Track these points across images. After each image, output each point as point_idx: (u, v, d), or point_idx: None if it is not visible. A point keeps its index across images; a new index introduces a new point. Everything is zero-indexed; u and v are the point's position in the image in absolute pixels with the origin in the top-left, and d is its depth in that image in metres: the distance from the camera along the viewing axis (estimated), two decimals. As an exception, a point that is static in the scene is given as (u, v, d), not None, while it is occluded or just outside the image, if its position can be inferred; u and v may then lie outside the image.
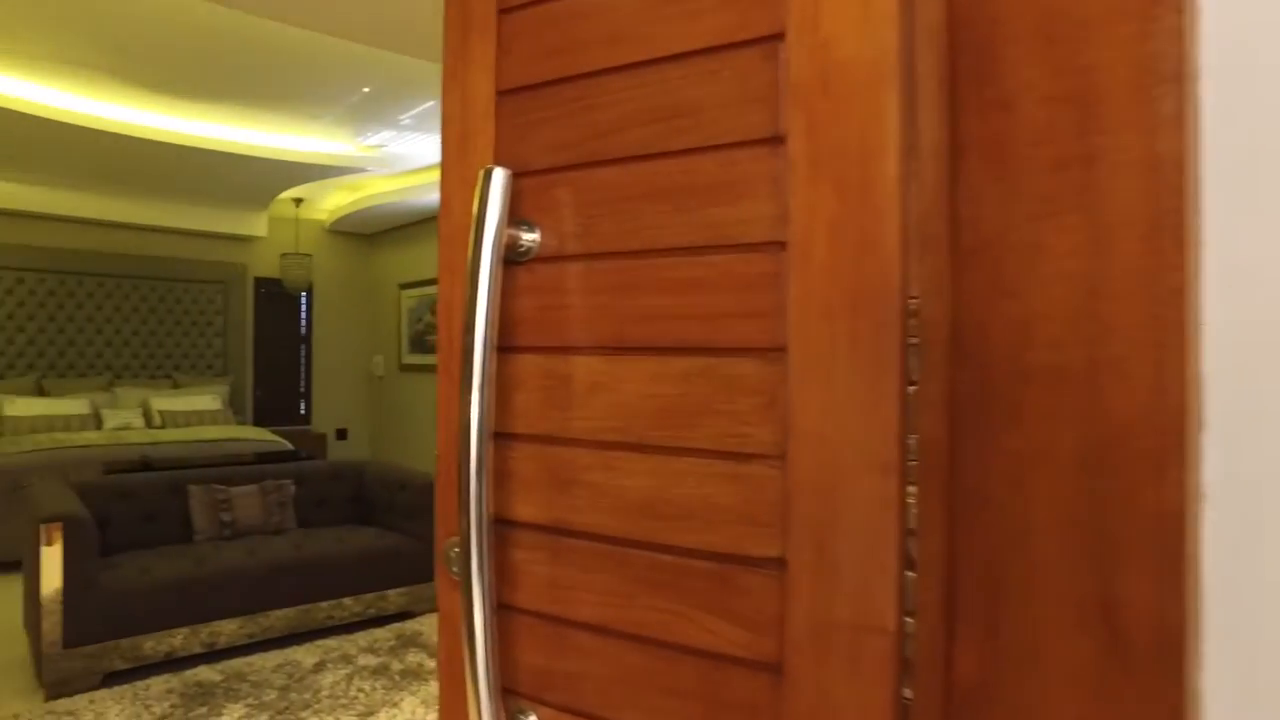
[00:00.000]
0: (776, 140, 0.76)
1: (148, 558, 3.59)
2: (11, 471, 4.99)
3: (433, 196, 6.83)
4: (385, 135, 5.65)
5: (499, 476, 0.91)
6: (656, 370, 0.82)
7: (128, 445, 5.52)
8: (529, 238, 0.90)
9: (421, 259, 7.90)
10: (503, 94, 0.94)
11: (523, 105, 0.93)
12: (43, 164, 6.03)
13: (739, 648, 0.78)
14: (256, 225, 7.75)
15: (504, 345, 0.91)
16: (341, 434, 8.57)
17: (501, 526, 0.92)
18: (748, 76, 0.78)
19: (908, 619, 0.71)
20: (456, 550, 0.92)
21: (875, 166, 0.71)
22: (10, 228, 6.81)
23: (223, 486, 4.04)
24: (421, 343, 7.83)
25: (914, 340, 0.71)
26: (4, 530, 4.94)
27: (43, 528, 3.10)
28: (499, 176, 0.85)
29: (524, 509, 0.91)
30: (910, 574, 0.71)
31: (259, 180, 6.46)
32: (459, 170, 0.97)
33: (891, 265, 0.70)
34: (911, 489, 0.71)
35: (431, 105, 4.99)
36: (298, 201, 7.74)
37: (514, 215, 0.89)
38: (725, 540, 0.78)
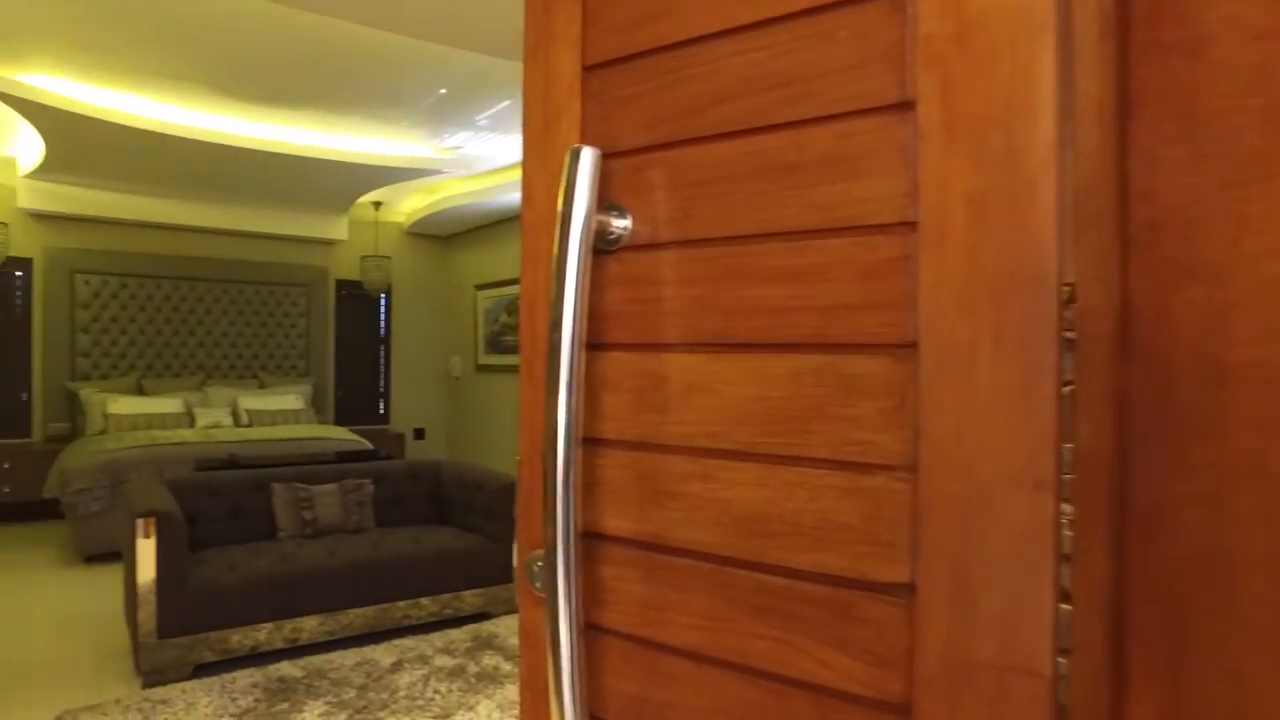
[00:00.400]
0: (904, 106, 0.67)
1: (235, 553, 3.67)
2: (115, 466, 5.20)
3: (509, 197, 6.89)
4: (462, 137, 5.69)
5: (586, 485, 0.84)
6: (764, 369, 0.74)
7: (217, 443, 5.69)
8: (619, 224, 0.82)
9: (497, 260, 7.96)
10: (589, 69, 0.87)
11: (611, 80, 0.85)
12: (142, 174, 6.27)
13: (858, 684, 0.68)
14: (338, 229, 7.93)
15: (592, 342, 0.84)
16: (419, 433, 8.71)
17: (589, 540, 0.84)
18: (869, 35, 0.69)
19: (1061, 659, 0.60)
20: (540, 564, 0.85)
21: (1025, 131, 0.60)
22: (115, 236, 7.13)
23: (304, 485, 4.11)
24: (498, 343, 7.88)
25: (1070, 334, 0.61)
26: (112, 521, 5.15)
27: (139, 522, 3.19)
28: (588, 156, 0.78)
29: (613, 521, 0.83)
30: (1065, 607, 0.61)
31: (340, 184, 6.60)
32: (542, 154, 0.91)
33: (1045, 246, 0.60)
34: (1067, 507, 0.61)
35: (508, 105, 4.99)
36: (377, 205, 7.89)
37: (603, 200, 0.82)
38: (843, 562, 0.69)
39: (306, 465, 4.41)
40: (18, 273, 6.80)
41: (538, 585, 0.86)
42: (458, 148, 5.97)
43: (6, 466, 6.32)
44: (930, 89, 0.65)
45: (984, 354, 0.62)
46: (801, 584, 0.71)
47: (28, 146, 5.98)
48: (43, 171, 6.27)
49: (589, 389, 0.84)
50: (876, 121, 0.68)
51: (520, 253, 0.92)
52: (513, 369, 7.59)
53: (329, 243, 8.12)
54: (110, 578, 4.81)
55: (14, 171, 6.64)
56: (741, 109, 0.75)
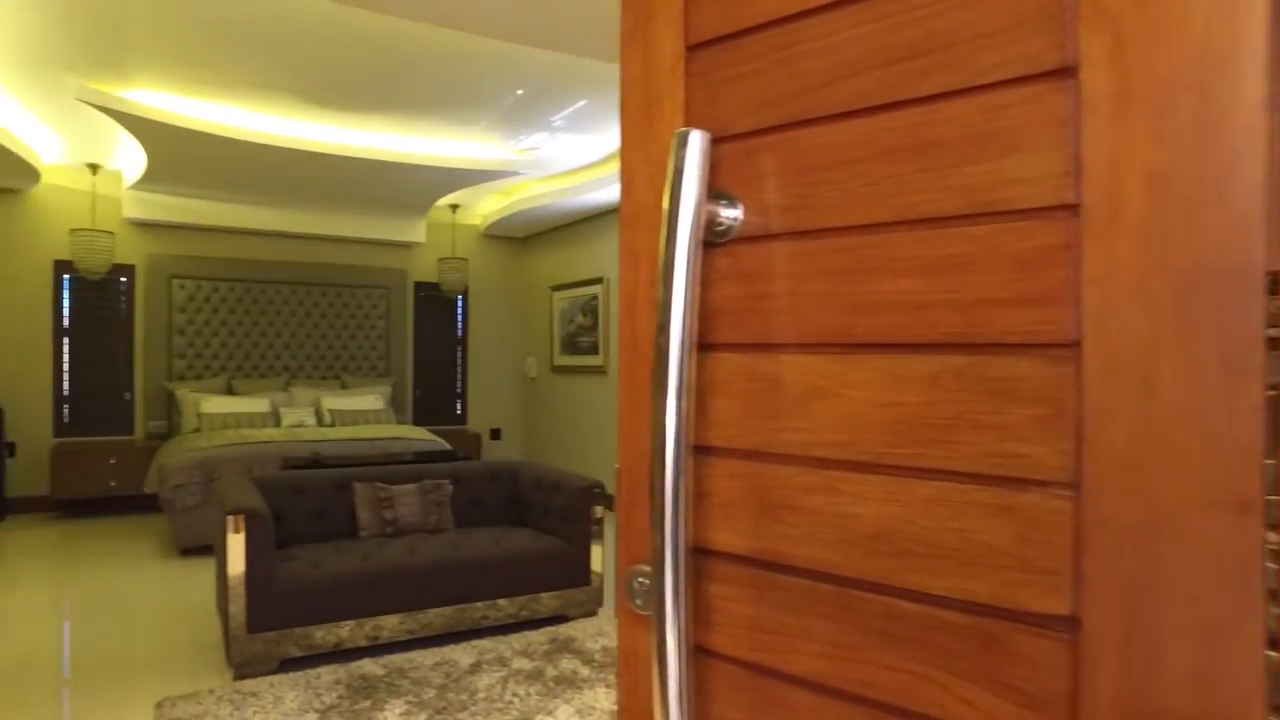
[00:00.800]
0: (1065, 72, 0.58)
1: (319, 551, 3.73)
2: (208, 463, 5.38)
3: (584, 198, 6.90)
4: (538, 138, 5.70)
5: (693, 497, 0.78)
6: (895, 372, 0.66)
7: (301, 442, 5.84)
8: (729, 214, 0.76)
9: (573, 261, 7.98)
10: (693, 49, 0.81)
11: (717, 60, 0.79)
12: (235, 183, 6.50)
13: (1008, 727, 0.60)
14: (416, 231, 8.07)
15: (699, 342, 0.78)
16: (496, 434, 8.80)
17: (695, 555, 0.78)
18: (1020, -6, 0.61)
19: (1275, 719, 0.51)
20: (642, 580, 0.80)
21: (1224, 93, 0.52)
22: (208, 242, 7.41)
23: (385, 485, 4.17)
24: (573, 344, 7.90)
25: (1276, 331, 0.52)
26: (205, 516, 5.33)
27: (229, 519, 3.27)
28: (696, 140, 0.72)
29: (722, 536, 0.77)
30: (1273, 654, 0.52)
31: (419, 187, 6.70)
32: (641, 142, 0.85)
33: (1247, 229, 0.51)
34: (1274, 536, 0.52)
35: (584, 105, 4.97)
36: (454, 207, 8.00)
37: (711, 188, 0.76)
38: (990, 589, 0.61)
39: (387, 465, 4.48)
40: (122, 279, 7.12)
41: (639, 603, 0.80)
42: (534, 149, 5.99)
43: (112, 462, 6.62)
44: (1097, 51, 0.56)
45: (1166, 355, 0.54)
46: (940, 611, 0.63)
47: (132, 159, 6.25)
48: (145, 182, 6.55)
49: (695, 393, 0.78)
50: (1031, 90, 0.60)
51: (619, 248, 0.86)
52: (589, 370, 7.59)
53: (408, 245, 8.28)
54: (203, 570, 4.98)
55: (120, 184, 6.96)
56: (867, 84, 0.68)
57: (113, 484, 6.63)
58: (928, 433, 0.64)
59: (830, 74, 0.70)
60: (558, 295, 8.17)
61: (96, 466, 6.58)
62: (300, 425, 6.83)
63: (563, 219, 7.79)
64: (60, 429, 6.92)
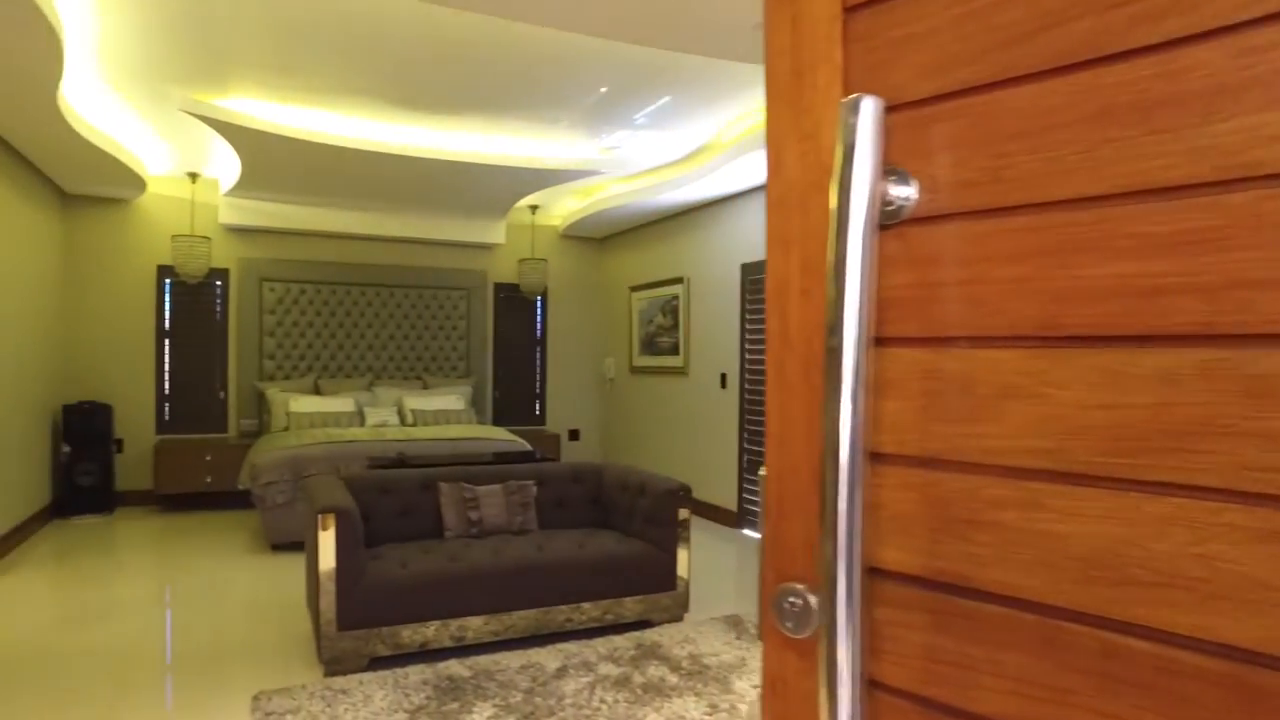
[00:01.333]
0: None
1: (406, 551, 3.76)
2: (298, 462, 5.51)
3: (664, 197, 6.84)
4: (620, 136, 5.67)
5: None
6: (1116, 368, 0.57)
7: (386, 441, 5.94)
8: (900, 192, 0.67)
9: (653, 260, 7.93)
10: (851, 9, 0.72)
11: (882, 20, 0.71)
12: (323, 187, 6.66)
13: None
14: (496, 233, 8.15)
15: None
16: (574, 435, 8.82)
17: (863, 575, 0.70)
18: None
19: None
20: (793, 600, 0.71)
21: None
22: (296, 246, 7.63)
23: (470, 486, 4.18)
24: (652, 344, 7.85)
25: None
26: (294, 513, 5.46)
27: (320, 517, 3.32)
28: (869, 108, 0.63)
29: (893, 554, 0.68)
30: None
31: (501, 188, 6.75)
32: (791, 114, 0.77)
33: None
34: None
35: (667, 102, 4.91)
36: (533, 208, 8.05)
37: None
38: (1249, 631, 0.51)
39: (471, 466, 4.49)
40: (218, 282, 7.38)
41: (789, 625, 0.72)
42: (615, 148, 5.96)
43: (208, 459, 6.86)
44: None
45: None
46: (1180, 653, 0.53)
47: (227, 167, 6.47)
48: (239, 189, 6.77)
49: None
50: (1304, 30, 0.50)
51: (766, 234, 0.78)
52: (669, 371, 7.52)
53: (488, 247, 8.37)
54: (293, 566, 5.10)
55: (216, 191, 7.22)
56: (1079, 34, 0.59)
57: (209, 480, 6.87)
58: (1161, 440, 0.54)
59: (1031, 25, 0.61)
60: (636, 295, 8.13)
61: (194, 463, 6.82)
62: (384, 425, 6.95)
63: (642, 218, 7.75)
64: (161, 426, 7.21)
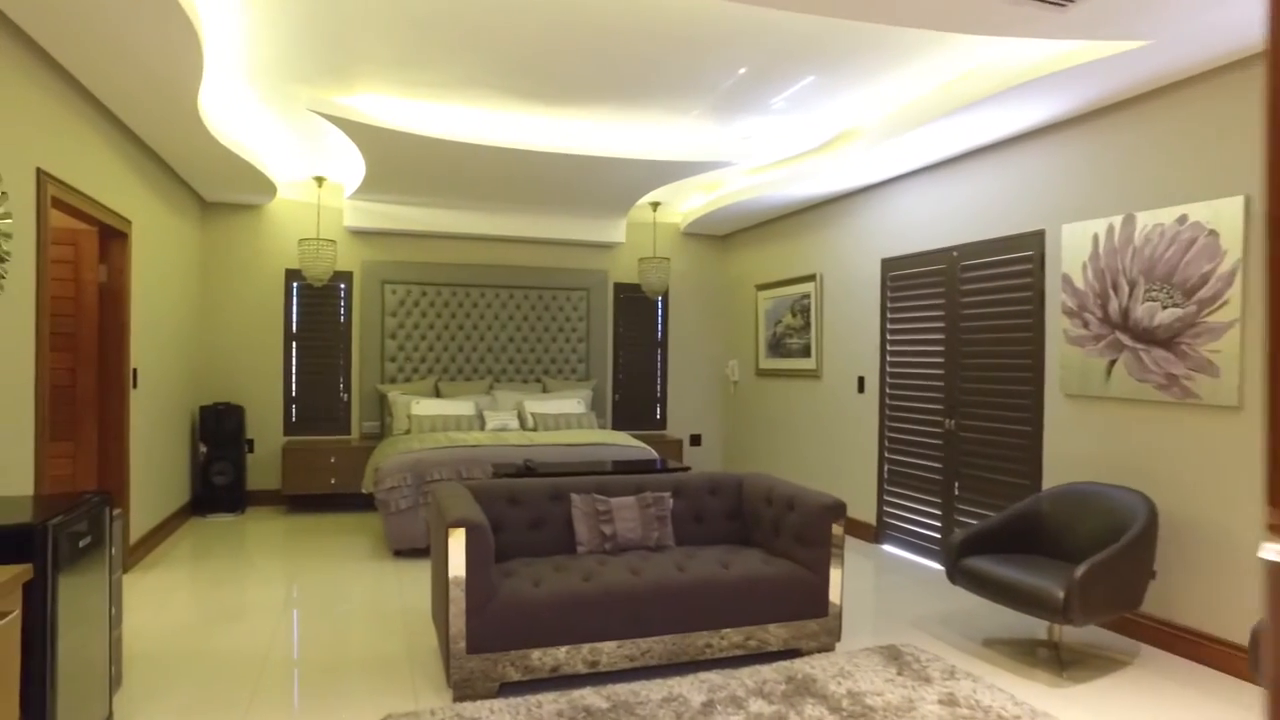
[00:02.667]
0: None
1: (538, 568, 3.48)
2: (420, 466, 5.37)
3: (793, 190, 6.41)
4: (754, 123, 5.27)
5: None
6: None
7: (509, 447, 5.73)
8: None
9: (781, 257, 7.49)
10: None
11: None
12: (445, 187, 6.55)
13: None
14: (617, 231, 7.88)
15: None
16: (695, 440, 8.46)
17: None
18: None
19: None
20: None
21: None
22: (417, 248, 7.57)
23: (603, 497, 3.87)
24: (780, 346, 7.40)
25: None
26: (416, 519, 5.31)
27: (450, 530, 3.07)
28: None
29: None
30: None
31: (625, 184, 6.46)
32: None
33: None
34: None
35: (810, 82, 4.48)
36: (655, 205, 7.74)
37: None
38: None
39: (603, 475, 4.19)
40: (341, 285, 7.40)
41: None
42: (747, 136, 5.56)
43: (332, 461, 6.86)
44: None
45: None
46: None
47: (352, 170, 6.44)
48: (363, 191, 6.75)
49: None
50: None
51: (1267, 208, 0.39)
52: (799, 374, 7.06)
53: (608, 246, 8.12)
54: (416, 574, 4.93)
55: (341, 195, 7.25)
56: None
57: (333, 481, 6.86)
58: None
59: None
60: (763, 295, 7.71)
61: (318, 465, 6.83)
62: (504, 429, 6.78)
63: (770, 213, 7.32)
64: (289, 428, 7.27)
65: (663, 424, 8.37)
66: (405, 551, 5.41)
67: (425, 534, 5.32)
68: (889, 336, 5.92)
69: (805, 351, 6.98)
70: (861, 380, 6.21)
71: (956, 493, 5.19)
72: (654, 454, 6.00)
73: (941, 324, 5.35)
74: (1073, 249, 4.25)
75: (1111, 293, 4.01)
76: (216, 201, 7.05)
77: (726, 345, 8.54)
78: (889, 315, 5.92)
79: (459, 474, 5.39)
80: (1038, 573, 3.50)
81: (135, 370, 5.09)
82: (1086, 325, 4.16)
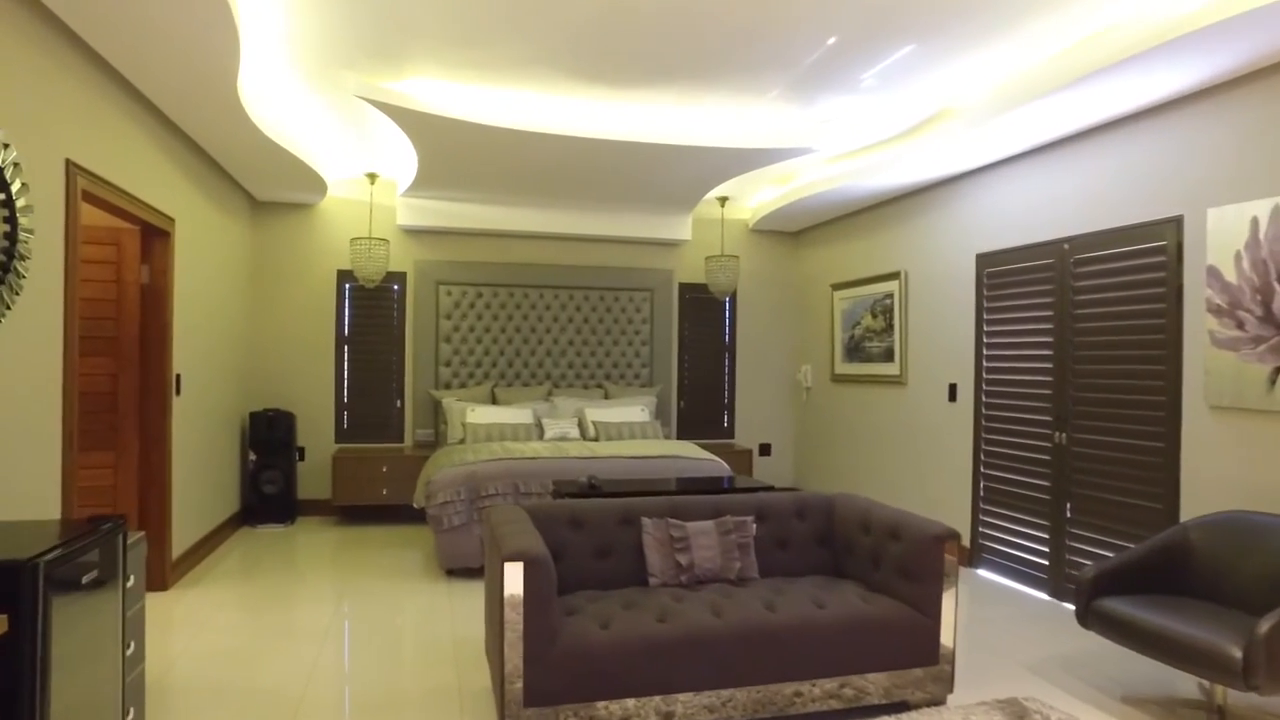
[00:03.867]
0: None
1: (606, 604, 3.05)
2: (474, 479, 5.00)
3: (877, 180, 5.88)
4: (838, 104, 4.78)
5: None
6: None
7: (569, 459, 5.32)
8: None
9: (860, 254, 6.95)
10: None
11: None
12: (502, 182, 6.19)
13: None
14: (682, 229, 7.43)
15: None
16: (765, 449, 7.96)
17: None
18: None
19: None
20: None
21: None
22: (473, 247, 7.24)
23: (678, 522, 3.42)
24: (859, 350, 6.87)
25: None
26: (470, 537, 4.94)
27: (507, 567, 2.65)
28: None
29: None
30: None
31: (694, 175, 6.00)
32: None
33: None
34: None
35: (909, 51, 3.98)
36: (723, 200, 7.28)
37: None
38: None
39: (677, 496, 3.74)
40: (394, 287, 7.11)
41: None
42: (829, 120, 5.07)
43: (384, 470, 6.56)
44: None
45: None
46: None
47: (404, 165, 6.14)
48: (416, 188, 6.43)
49: None
50: None
51: None
52: (880, 380, 6.52)
53: (673, 244, 7.67)
54: (469, 596, 4.56)
55: (394, 193, 6.96)
56: None
57: (384, 492, 6.56)
58: None
59: None
60: (839, 295, 7.18)
61: (370, 474, 6.54)
62: (564, 438, 6.39)
63: (848, 206, 6.79)
64: (340, 435, 7.00)
65: (730, 433, 7.89)
66: (458, 571, 5.05)
67: (479, 552, 4.95)
68: (986, 340, 5.35)
69: (887, 356, 6.43)
70: (953, 388, 5.65)
71: (1069, 515, 4.60)
72: (726, 468, 5.53)
73: (1049, 325, 4.77)
74: (1222, 236, 3.65)
75: (1277, 286, 3.40)
76: (268, 201, 6.82)
77: (798, 349, 8.02)
78: (985, 316, 5.36)
79: (515, 489, 5.00)
80: (1200, 623, 2.93)
81: (178, 376, 4.83)
82: (1241, 326, 3.56)
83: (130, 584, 2.64)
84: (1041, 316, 4.84)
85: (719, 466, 5.50)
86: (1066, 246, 4.65)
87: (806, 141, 5.31)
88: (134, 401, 4.50)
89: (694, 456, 5.58)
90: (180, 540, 4.90)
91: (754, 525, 3.53)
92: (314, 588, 4.77)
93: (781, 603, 3.09)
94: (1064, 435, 4.65)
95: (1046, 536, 4.76)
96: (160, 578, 4.58)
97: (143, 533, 2.81)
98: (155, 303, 4.58)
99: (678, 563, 3.34)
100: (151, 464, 4.58)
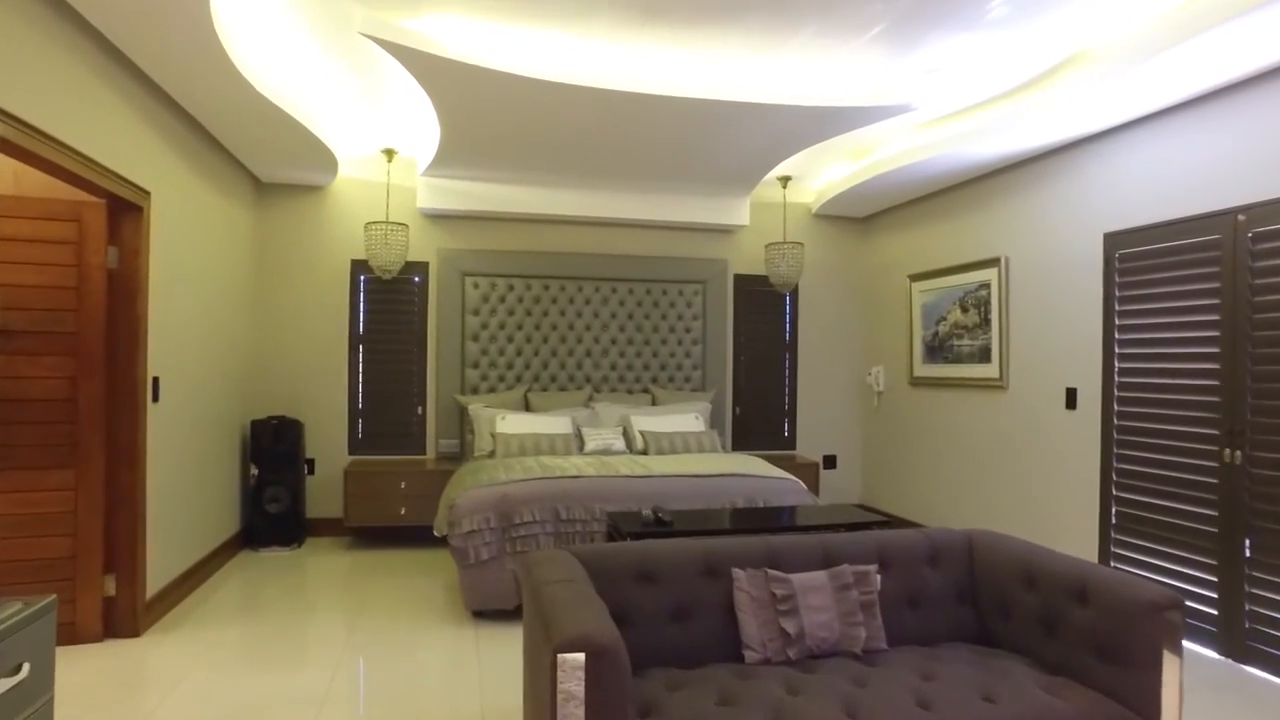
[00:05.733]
0: None
1: (692, 696, 2.19)
2: (506, 503, 4.16)
3: (978, 148, 4.98)
4: (951, 45, 3.90)
5: None
6: None
7: (619, 478, 4.47)
8: None
9: (943, 240, 6.05)
10: None
11: None
12: (535, 154, 5.39)
13: None
14: (739, 212, 6.57)
15: None
16: (829, 461, 7.06)
17: None
18: None
19: None
20: None
21: None
22: (503, 233, 6.44)
23: (780, 574, 2.56)
24: (944, 349, 5.97)
25: None
26: (502, 573, 4.12)
27: (563, 659, 1.81)
28: None
29: None
30: None
31: (761, 144, 5.13)
32: None
33: None
34: None
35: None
36: (785, 180, 6.41)
37: None
38: None
39: (775, 534, 2.88)
40: (415, 278, 6.33)
41: None
42: (933, 70, 4.19)
43: (403, 486, 5.77)
44: None
45: None
46: None
47: (425, 142, 5.36)
48: (439, 164, 5.65)
49: None
50: None
51: None
52: (971, 384, 5.61)
53: (729, 230, 6.82)
54: (501, 648, 3.73)
55: (414, 173, 6.18)
56: None
57: (403, 511, 5.76)
58: None
59: None
60: (919, 287, 6.28)
61: (387, 491, 5.75)
62: (608, 450, 5.56)
63: (934, 184, 5.90)
64: (354, 445, 6.22)
65: (791, 443, 7.01)
66: (488, 614, 4.23)
67: (513, 591, 4.12)
68: (1118, 336, 4.43)
69: (982, 355, 5.53)
70: (1072, 393, 4.74)
71: (1247, 554, 3.68)
72: (805, 489, 4.66)
73: (1215, 317, 3.86)
74: None
75: None
76: (273, 183, 6.07)
77: (868, 349, 7.11)
78: (1118, 308, 4.44)
79: (556, 515, 4.17)
80: None
81: (156, 379, 4.06)
82: None
83: (21, 677, 1.83)
84: (1203, 306, 3.92)
85: (797, 488, 4.63)
86: (1241, 218, 3.73)
87: (905, 98, 4.43)
88: (99, 410, 3.72)
89: (767, 475, 4.71)
90: (158, 574, 4.13)
91: (879, 577, 2.67)
92: (317, 633, 3.97)
93: (936, 694, 2.22)
94: (1237, 453, 3.73)
95: (1214, 580, 3.84)
96: (130, 622, 3.80)
97: (52, 597, 2.00)
98: (125, 291, 3.82)
99: (783, 630, 2.48)
100: (120, 483, 3.81)
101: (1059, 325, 4.87)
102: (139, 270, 3.83)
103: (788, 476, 4.73)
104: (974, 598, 2.82)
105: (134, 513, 3.84)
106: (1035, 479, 5.04)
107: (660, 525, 3.50)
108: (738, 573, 2.55)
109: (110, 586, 3.79)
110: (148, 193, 3.90)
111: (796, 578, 2.56)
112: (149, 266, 3.93)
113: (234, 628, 4.02)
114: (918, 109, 4.56)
